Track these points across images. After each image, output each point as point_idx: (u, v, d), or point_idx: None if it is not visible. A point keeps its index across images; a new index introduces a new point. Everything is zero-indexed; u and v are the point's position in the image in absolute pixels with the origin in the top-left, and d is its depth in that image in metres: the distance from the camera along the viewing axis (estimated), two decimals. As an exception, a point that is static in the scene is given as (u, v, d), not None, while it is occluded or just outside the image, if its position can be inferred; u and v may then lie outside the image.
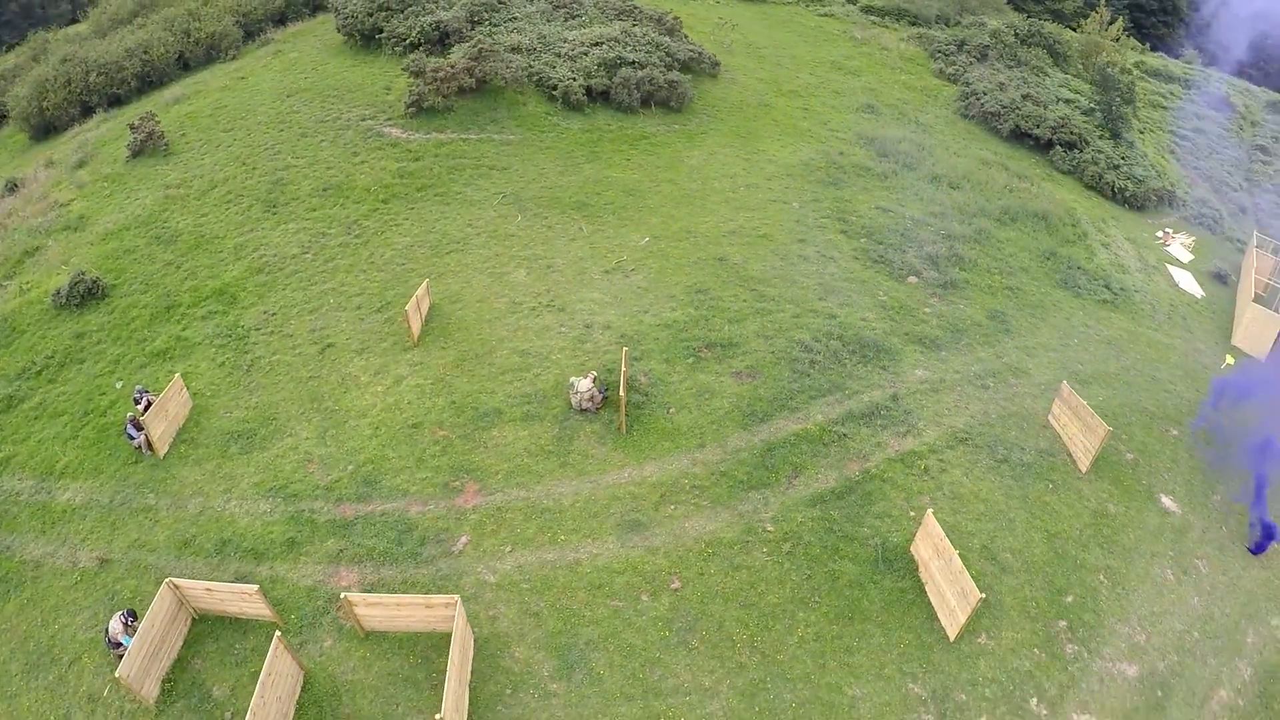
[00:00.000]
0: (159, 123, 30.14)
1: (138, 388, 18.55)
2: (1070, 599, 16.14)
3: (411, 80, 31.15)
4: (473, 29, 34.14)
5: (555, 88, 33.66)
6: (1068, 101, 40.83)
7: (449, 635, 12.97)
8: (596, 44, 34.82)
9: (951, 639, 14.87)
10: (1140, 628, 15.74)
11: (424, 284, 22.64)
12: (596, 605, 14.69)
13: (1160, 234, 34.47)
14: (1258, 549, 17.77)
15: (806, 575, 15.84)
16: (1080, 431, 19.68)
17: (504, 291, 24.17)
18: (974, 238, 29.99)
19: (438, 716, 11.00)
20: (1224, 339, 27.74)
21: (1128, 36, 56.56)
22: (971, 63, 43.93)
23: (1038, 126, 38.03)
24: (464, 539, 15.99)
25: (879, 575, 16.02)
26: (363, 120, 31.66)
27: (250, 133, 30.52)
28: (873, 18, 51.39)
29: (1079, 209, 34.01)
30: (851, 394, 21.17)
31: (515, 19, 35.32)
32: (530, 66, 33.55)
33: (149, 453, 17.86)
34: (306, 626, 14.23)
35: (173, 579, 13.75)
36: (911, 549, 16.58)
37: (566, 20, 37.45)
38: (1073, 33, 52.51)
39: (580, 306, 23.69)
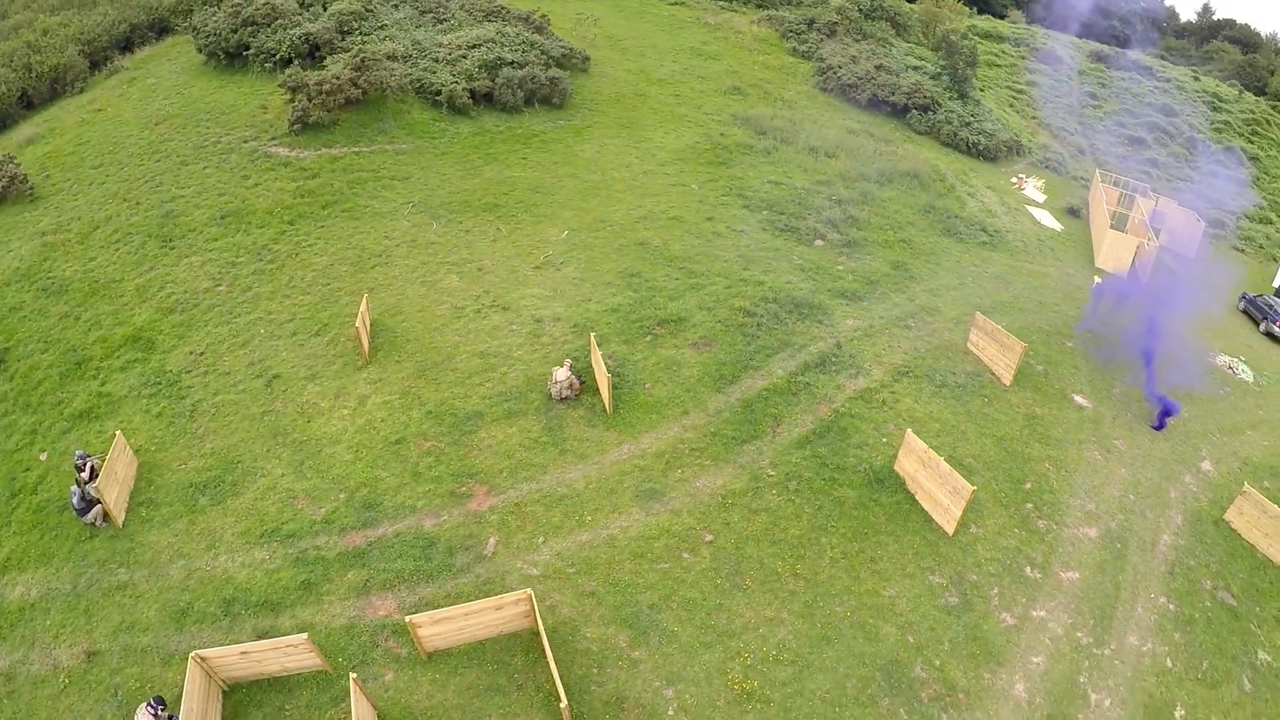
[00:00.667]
0: (19, 165, 26.56)
1: (78, 453, 16.46)
2: (1029, 485, 18.54)
3: (292, 96, 29.36)
4: (343, 39, 32.63)
5: (439, 93, 32.99)
6: (915, 68, 45.36)
7: (515, 636, 12.87)
8: (474, 46, 34.46)
9: (950, 533, 16.71)
10: (1088, 499, 18.41)
11: (364, 299, 21.76)
12: (645, 572, 15.08)
13: (1014, 180, 39.37)
14: (1159, 426, 21.22)
15: (817, 506, 17.12)
16: (999, 352, 22.43)
17: (442, 298, 23.68)
18: (860, 200, 32.84)
19: (563, 705, 10.95)
20: (1087, 263, 32.36)
21: (958, 3, 62.38)
22: (822, 39, 47.65)
23: (893, 94, 42.05)
24: (493, 540, 15.76)
25: (876, 494, 17.60)
26: (245, 142, 29.49)
27: (123, 166, 27.55)
28: (721, 3, 54.15)
29: (942, 165, 38.09)
30: (800, 348, 22.77)
31: (385, 26, 34.12)
32: (410, 74, 32.64)
33: (103, 524, 15.97)
34: (359, 665, 13.43)
35: (198, 652, 12.47)
36: (896, 467, 18.33)
37: (436, 24, 36.67)
38: (911, 4, 57.50)
39: (524, 304, 23.69)
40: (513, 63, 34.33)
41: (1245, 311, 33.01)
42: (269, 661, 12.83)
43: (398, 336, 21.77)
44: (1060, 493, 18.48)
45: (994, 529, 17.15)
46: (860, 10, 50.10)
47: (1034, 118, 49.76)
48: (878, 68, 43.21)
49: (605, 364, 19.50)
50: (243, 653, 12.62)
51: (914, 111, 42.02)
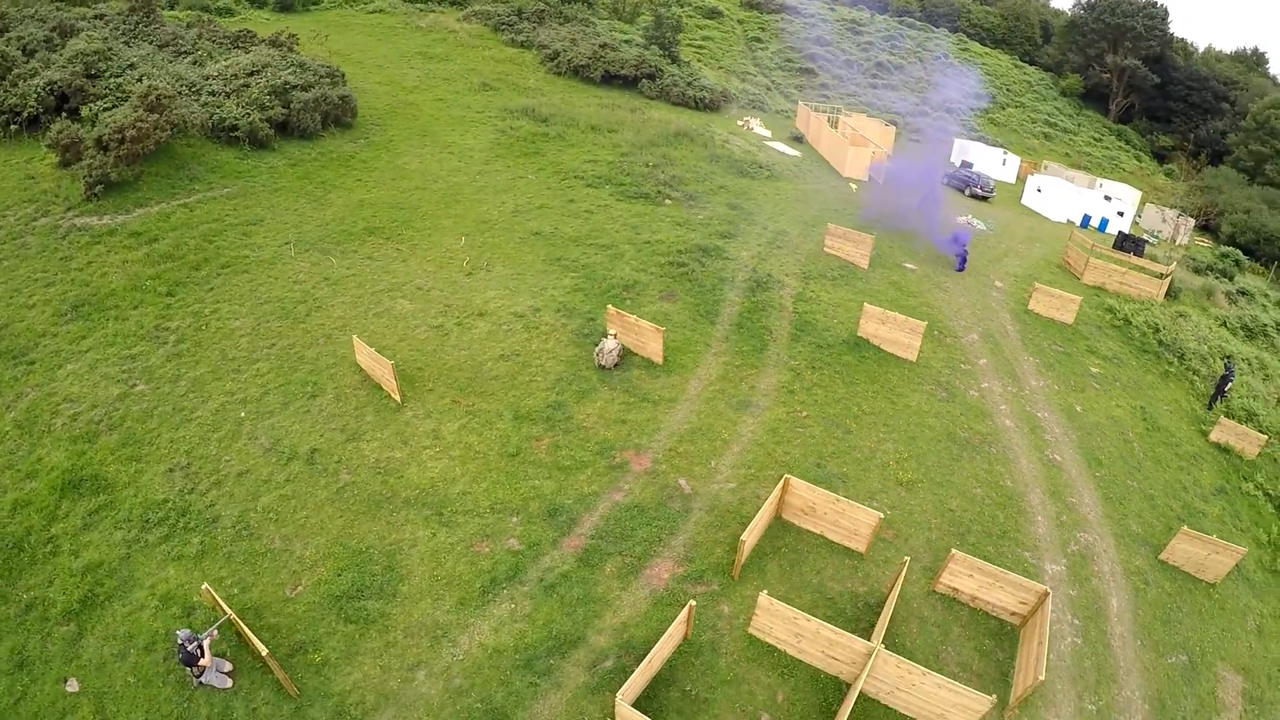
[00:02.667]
0: None
1: (182, 635, 12.54)
2: (924, 322, 26.41)
3: (64, 157, 23.94)
4: (93, 84, 26.78)
5: (234, 129, 29.48)
6: (627, 42, 51.57)
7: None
8: (252, 73, 31.07)
9: (914, 360, 23.56)
10: (958, 319, 26.90)
11: (355, 342, 20.57)
12: (791, 448, 19.18)
13: (741, 123, 48.24)
14: (961, 268, 30.89)
15: (837, 372, 22.58)
16: (854, 246, 30.04)
17: (411, 323, 23.10)
18: (665, 163, 38.21)
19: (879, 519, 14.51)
20: (835, 175, 42.28)
21: None
22: (534, 27, 51.13)
23: (623, 68, 47.84)
24: (682, 481, 17.87)
25: (861, 354, 23.62)
26: (33, 221, 23.43)
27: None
28: (418, 6, 53.97)
29: (690, 122, 45.19)
30: (731, 278, 27.59)
31: (134, 65, 28.45)
32: (200, 111, 28.58)
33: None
34: (706, 630, 14.57)
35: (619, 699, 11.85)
36: (860, 333, 24.50)
37: (180, 57, 31.69)
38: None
39: (493, 306, 24.35)
40: (300, 85, 31.92)
41: (950, 184, 46.54)
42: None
43: (406, 367, 21.13)
44: (943, 320, 26.67)
45: (929, 352, 24.42)
46: None
47: (721, 68, 60.31)
48: (603, 46, 48.70)
49: (646, 321, 22.01)
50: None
51: (644, 80, 48.61)
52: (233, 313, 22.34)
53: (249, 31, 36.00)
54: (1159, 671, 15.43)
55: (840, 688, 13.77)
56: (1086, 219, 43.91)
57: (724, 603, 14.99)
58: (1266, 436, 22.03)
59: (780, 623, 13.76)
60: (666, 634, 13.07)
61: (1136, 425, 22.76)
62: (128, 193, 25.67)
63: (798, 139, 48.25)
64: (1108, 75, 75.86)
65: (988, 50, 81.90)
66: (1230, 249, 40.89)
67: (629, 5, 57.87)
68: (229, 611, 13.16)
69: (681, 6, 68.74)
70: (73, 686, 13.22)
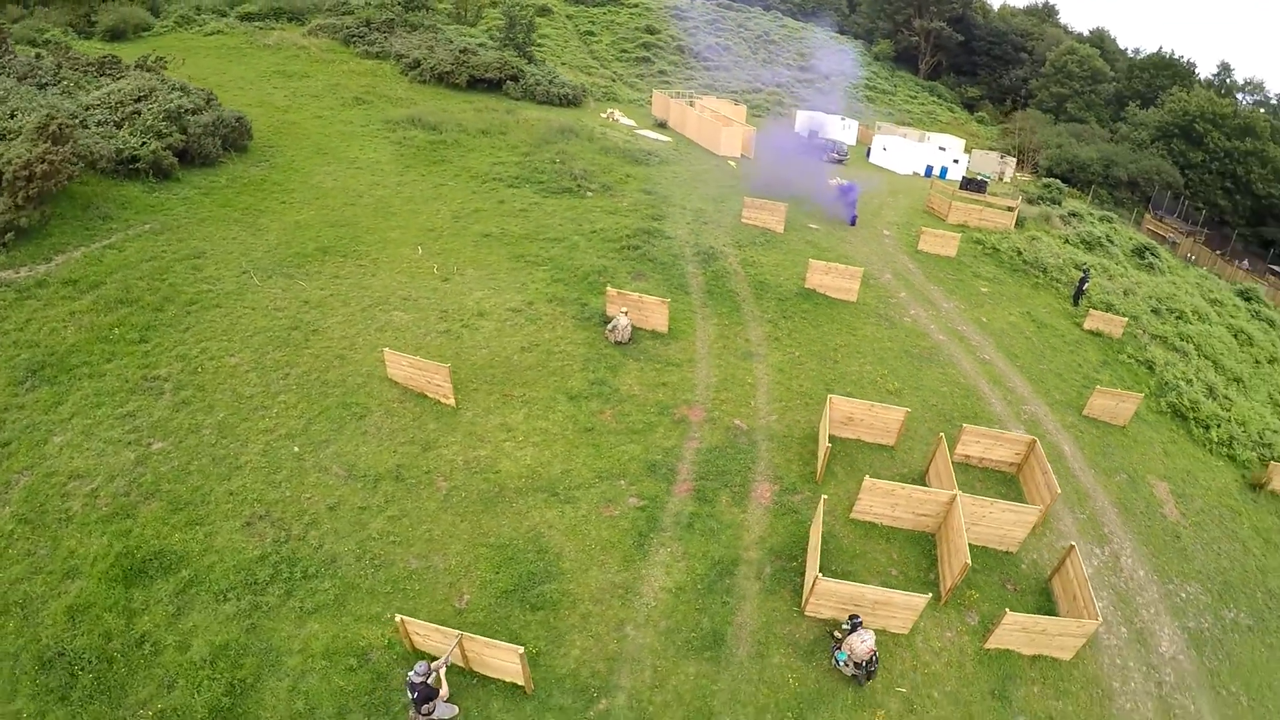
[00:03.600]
0: None
1: (419, 669, 12.20)
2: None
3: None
4: (-42, 119, 23.22)
5: (136, 159, 27.02)
6: (480, 45, 51.80)
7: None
8: (139, 99, 28.36)
9: (855, 301, 27.93)
10: (869, 264, 31.84)
11: (387, 354, 20.68)
12: (802, 379, 22.67)
13: (604, 115, 50.62)
14: (853, 222, 35.96)
15: (803, 316, 26.48)
16: (769, 214, 34.01)
17: (416, 333, 23.12)
18: (565, 158, 39.88)
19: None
20: (710, 155, 46.09)
21: None
22: (384, 38, 49.86)
23: (487, 71, 48.36)
24: (737, 421, 20.45)
25: (814, 301, 27.56)
26: (-59, 281, 20.34)
27: None
28: (257, 24, 50.24)
29: (563, 118, 46.89)
30: (680, 253, 30.31)
31: (3, 99, 24.71)
32: (97, 142, 25.86)
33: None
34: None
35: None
36: (807, 285, 28.39)
37: (44, 88, 27.94)
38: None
39: (487, 306, 24.96)
40: (194, 110, 29.71)
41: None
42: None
43: (360, 399, 20.94)
44: (860, 266, 31.49)
45: (862, 294, 28.89)
46: (402, 4, 53.62)
47: (564, 63, 62.16)
48: (463, 51, 48.86)
49: (650, 296, 24.13)
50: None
51: (508, 82, 49.52)
52: (224, 349, 21.18)
53: (113, 57, 32.31)
54: (1113, 487, 20.76)
55: (930, 540, 17.31)
56: (929, 169, 51.90)
57: (820, 502, 17.91)
58: (1125, 319, 29.11)
59: (879, 498, 17.00)
60: (812, 531, 15.74)
61: (1029, 326, 28.88)
62: (40, 240, 22.96)
63: (661, 125, 51.83)
64: (916, 38, 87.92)
65: (802, 24, 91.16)
66: (1051, 180, 50.15)
67: (471, 9, 58.06)
68: (455, 633, 13.04)
69: (481, 6, 70.14)
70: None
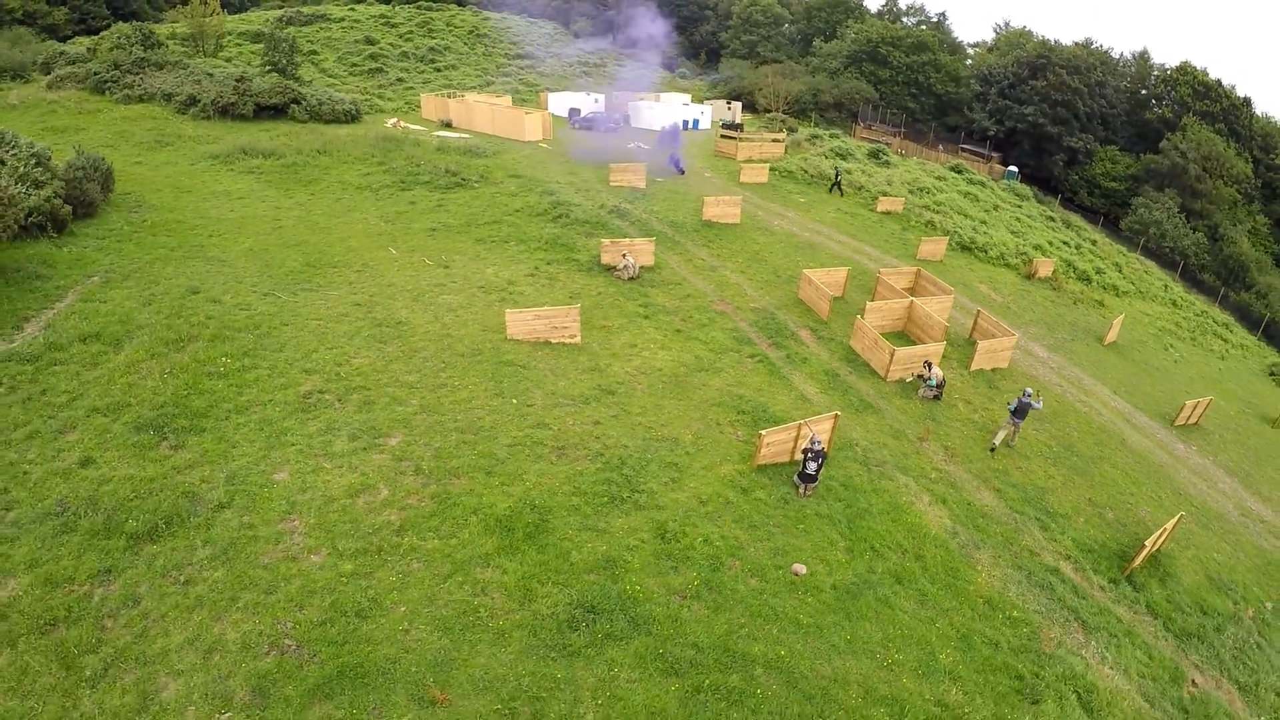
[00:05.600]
0: None
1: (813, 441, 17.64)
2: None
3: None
4: None
5: (31, 214, 23.96)
6: (243, 74, 48.37)
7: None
8: None
9: (740, 222, 36.84)
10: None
11: (510, 316, 23.66)
12: (765, 270, 30.55)
13: (390, 123, 51.42)
14: (682, 172, 44.34)
15: (716, 241, 34.58)
16: (633, 175, 40.89)
17: (476, 306, 24.98)
18: (422, 161, 41.53)
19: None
20: (518, 142, 50.47)
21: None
22: (138, 80, 44.27)
23: (271, 97, 46.22)
24: (752, 306, 27.62)
25: (719, 230, 35.78)
26: None
27: None
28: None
29: (364, 131, 47.12)
30: (598, 215, 35.82)
31: None
32: None
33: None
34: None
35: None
36: (704, 218, 36.34)
37: None
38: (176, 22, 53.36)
39: (506, 276, 27.65)
40: (45, 155, 26.41)
41: (580, 128, 58.07)
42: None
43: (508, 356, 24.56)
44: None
45: (735, 233, 37.89)
46: (138, 43, 47.25)
47: (311, 80, 59.81)
48: (240, 80, 45.94)
49: (639, 240, 29.85)
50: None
51: (292, 105, 47.81)
52: (340, 355, 20.88)
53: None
54: (958, 287, 32.81)
55: (904, 335, 27.03)
56: (686, 123, 62.16)
57: (833, 334, 26.37)
58: (902, 199, 42.52)
59: (865, 338, 26.03)
60: (854, 344, 24.08)
61: (842, 218, 40.74)
62: None
63: (447, 124, 54.61)
64: (610, 13, 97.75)
65: (502, 15, 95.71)
66: (774, 114, 63.49)
67: (209, 40, 52.85)
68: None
69: (227, 35, 64.23)
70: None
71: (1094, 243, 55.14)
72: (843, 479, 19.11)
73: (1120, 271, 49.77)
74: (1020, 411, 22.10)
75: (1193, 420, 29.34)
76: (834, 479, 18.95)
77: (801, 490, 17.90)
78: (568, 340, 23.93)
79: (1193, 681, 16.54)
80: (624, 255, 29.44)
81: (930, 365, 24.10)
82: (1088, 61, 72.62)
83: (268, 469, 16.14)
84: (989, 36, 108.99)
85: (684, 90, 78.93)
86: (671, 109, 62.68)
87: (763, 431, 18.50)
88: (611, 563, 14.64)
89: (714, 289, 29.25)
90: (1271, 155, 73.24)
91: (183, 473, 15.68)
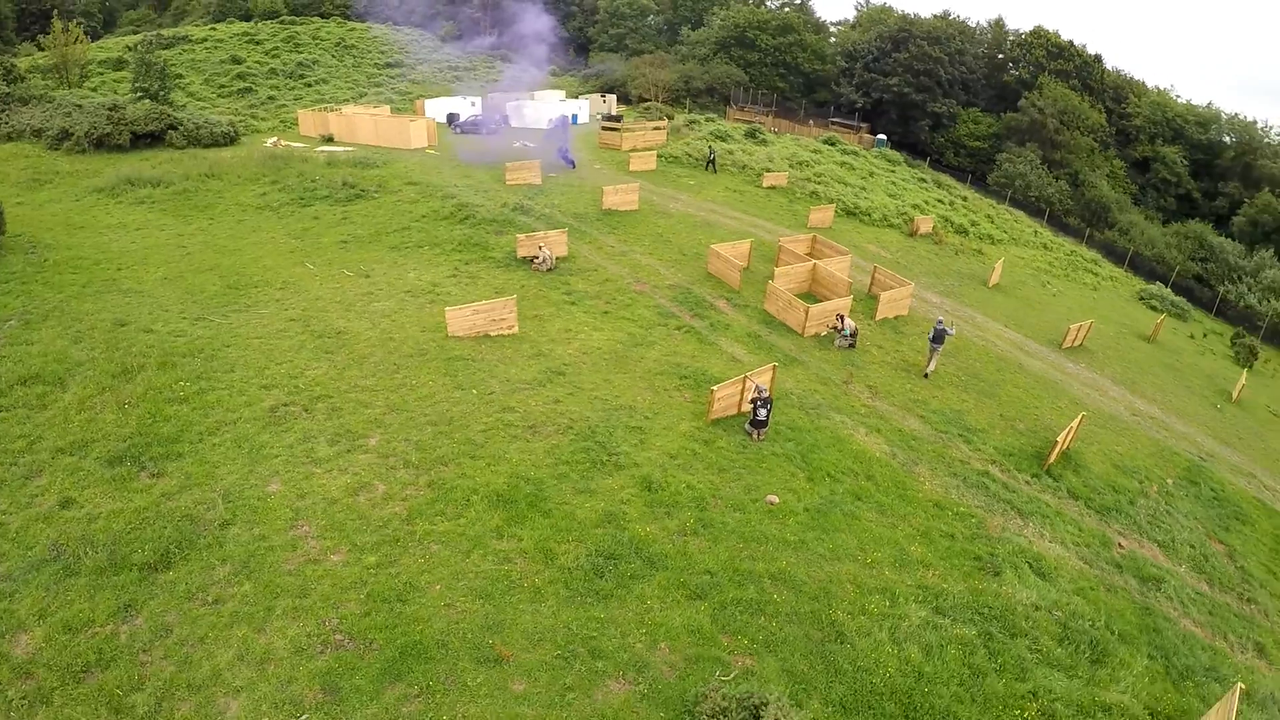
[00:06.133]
0: None
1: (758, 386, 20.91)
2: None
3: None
4: None
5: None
6: (114, 104, 46.00)
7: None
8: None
9: (639, 209, 39.60)
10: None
11: (449, 313, 25.17)
12: (670, 251, 33.47)
13: (270, 142, 50.28)
14: (573, 165, 46.34)
15: (621, 227, 37.18)
16: (528, 172, 42.62)
17: (409, 310, 26.00)
18: (317, 177, 41.36)
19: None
20: (404, 150, 50.75)
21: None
22: (13, 112, 41.49)
23: (148, 125, 44.51)
24: (667, 284, 30.36)
25: (620, 218, 38.32)
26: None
27: None
28: None
29: (248, 153, 46.26)
30: (503, 212, 37.31)
31: None
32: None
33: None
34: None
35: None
36: (604, 207, 38.77)
37: None
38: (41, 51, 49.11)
39: (429, 279, 28.93)
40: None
41: (464, 132, 58.68)
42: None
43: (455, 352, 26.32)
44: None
45: (636, 205, 40.60)
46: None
47: (168, 103, 57.18)
48: (113, 109, 43.85)
49: (552, 232, 31.85)
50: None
51: (170, 132, 46.08)
52: (295, 369, 21.68)
53: None
54: (852, 249, 36.99)
55: (811, 295, 30.68)
56: (566, 119, 63.71)
57: (747, 301, 29.53)
58: (786, 173, 46.42)
59: (783, 283, 29.46)
60: (768, 306, 27.41)
61: (734, 196, 44.30)
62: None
63: (328, 139, 54.03)
64: (477, 15, 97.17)
65: (367, 25, 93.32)
66: (650, 102, 66.30)
67: (73, 70, 49.47)
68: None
69: (85, 64, 59.98)
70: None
71: (965, 199, 61.71)
72: (787, 423, 22.08)
73: (993, 222, 56.37)
74: (938, 337, 26.07)
75: (1078, 342, 34.73)
76: (779, 423, 21.86)
77: (755, 436, 20.72)
78: (506, 331, 25.71)
79: (1119, 545, 20.45)
80: (540, 247, 31.42)
81: (842, 318, 27.72)
82: (947, 32, 79.57)
83: (258, 482, 16.36)
84: (851, 15, 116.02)
85: (558, 87, 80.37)
86: (550, 106, 64.44)
87: (714, 388, 21.19)
88: (613, 516, 16.65)
89: (629, 271, 31.79)
90: (1123, 105, 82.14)
91: (173, 498, 15.63)
